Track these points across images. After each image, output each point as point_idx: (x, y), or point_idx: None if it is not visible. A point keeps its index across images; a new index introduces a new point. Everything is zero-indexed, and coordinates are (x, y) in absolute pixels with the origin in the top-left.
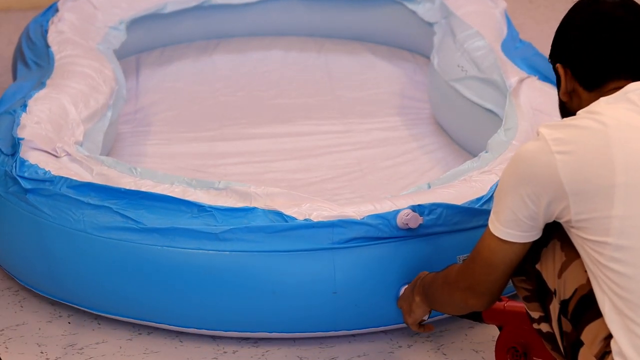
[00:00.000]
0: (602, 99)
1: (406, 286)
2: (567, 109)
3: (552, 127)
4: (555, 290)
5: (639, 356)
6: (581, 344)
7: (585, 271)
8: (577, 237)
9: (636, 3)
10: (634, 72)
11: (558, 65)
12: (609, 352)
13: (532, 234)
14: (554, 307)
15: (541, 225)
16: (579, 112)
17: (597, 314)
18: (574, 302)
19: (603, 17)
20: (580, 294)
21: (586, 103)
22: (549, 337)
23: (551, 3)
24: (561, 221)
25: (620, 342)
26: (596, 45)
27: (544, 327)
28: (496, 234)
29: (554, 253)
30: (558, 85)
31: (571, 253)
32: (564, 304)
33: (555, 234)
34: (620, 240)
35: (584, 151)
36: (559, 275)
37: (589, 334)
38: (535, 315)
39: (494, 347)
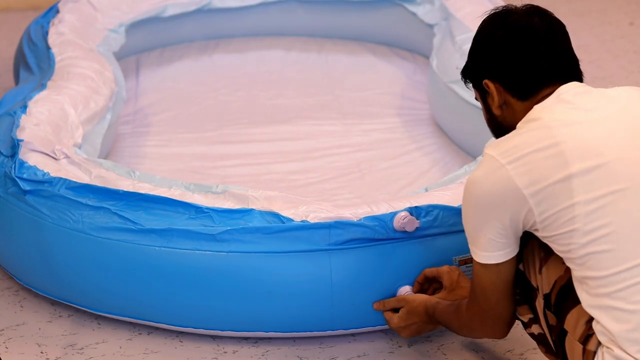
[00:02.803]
0: (535, 107)
1: (405, 312)
2: (499, 123)
3: (496, 144)
4: (537, 286)
5: (622, 326)
6: (565, 333)
7: (562, 263)
8: (547, 239)
9: (543, 9)
10: (562, 76)
11: (486, 81)
12: (592, 334)
13: (509, 251)
14: (539, 303)
15: (515, 241)
16: (518, 125)
17: (576, 300)
18: (555, 294)
19: (522, 27)
20: (559, 285)
21: (520, 113)
22: (541, 339)
23: (550, 4)
24: (528, 229)
25: (602, 320)
26: (524, 56)
27: (535, 329)
28: (479, 261)
29: (533, 251)
30: (484, 101)
31: (549, 248)
32: (546, 298)
33: (534, 237)
34: (587, 225)
35: (533, 154)
36: (539, 271)
37: (571, 321)
38: (525, 318)
39: (493, 348)
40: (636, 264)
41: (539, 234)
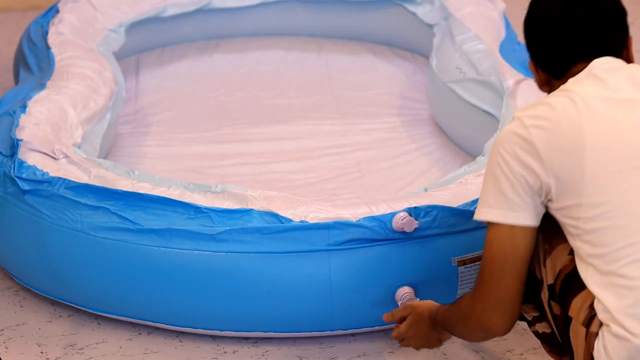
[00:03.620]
0: (570, 79)
1: (411, 319)
2: None
3: (526, 108)
4: (542, 278)
5: (622, 302)
6: (570, 320)
7: (568, 254)
8: (558, 212)
9: None
10: (593, 50)
11: (530, 62)
12: (595, 315)
13: (524, 216)
14: (544, 295)
15: (532, 208)
16: (552, 93)
17: (580, 287)
18: (559, 283)
19: (544, 5)
20: (564, 274)
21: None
22: (545, 337)
23: None
24: (544, 199)
25: (603, 298)
26: (545, 36)
27: (539, 327)
28: (490, 219)
29: (538, 245)
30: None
31: (553, 242)
32: (551, 288)
33: (539, 229)
34: (592, 199)
35: (556, 124)
36: (544, 263)
37: (575, 307)
38: (530, 316)
39: (493, 348)
40: (638, 239)
41: (552, 206)
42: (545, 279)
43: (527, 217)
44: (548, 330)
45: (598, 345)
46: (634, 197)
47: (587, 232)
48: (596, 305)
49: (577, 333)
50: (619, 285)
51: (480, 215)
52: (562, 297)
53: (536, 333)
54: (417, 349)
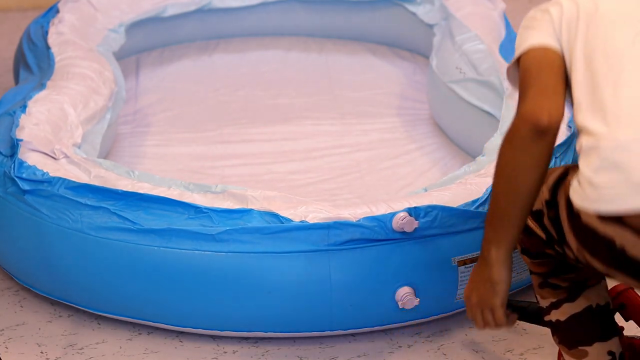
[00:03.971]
0: None
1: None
2: None
3: None
4: (541, 208)
5: (598, 116)
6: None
7: (554, 173)
8: (570, 61)
9: None
10: None
11: None
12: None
13: (547, 34)
14: (545, 217)
15: (555, 36)
16: None
17: (564, 180)
18: (550, 193)
19: None
20: (554, 184)
21: None
22: (558, 326)
23: None
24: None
25: (585, 121)
26: None
27: (555, 315)
28: (517, 54)
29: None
30: None
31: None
32: (548, 203)
33: None
34: (591, 47)
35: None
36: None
37: (561, 194)
38: (548, 302)
39: (493, 348)
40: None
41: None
42: (540, 200)
43: (554, 41)
44: (562, 318)
45: (573, 183)
46: (628, 53)
47: (582, 72)
48: (577, 143)
49: (561, 208)
50: (599, 109)
51: (517, 52)
52: (554, 202)
53: (550, 322)
54: (477, 309)
